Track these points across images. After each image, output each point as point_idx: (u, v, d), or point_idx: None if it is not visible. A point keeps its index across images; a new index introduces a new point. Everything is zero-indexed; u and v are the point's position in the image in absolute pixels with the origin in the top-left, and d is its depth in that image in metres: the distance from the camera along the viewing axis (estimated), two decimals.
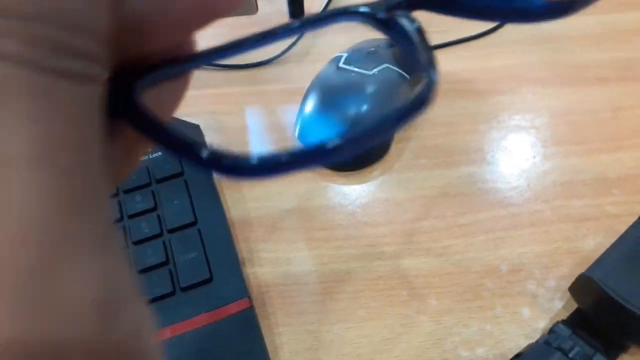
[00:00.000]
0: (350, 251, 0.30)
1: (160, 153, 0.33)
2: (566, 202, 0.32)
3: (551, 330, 0.25)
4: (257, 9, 0.39)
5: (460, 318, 0.27)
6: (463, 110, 0.38)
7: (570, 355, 0.24)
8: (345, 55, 0.37)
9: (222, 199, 0.32)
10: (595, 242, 0.29)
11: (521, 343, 0.26)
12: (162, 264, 0.27)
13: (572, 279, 0.27)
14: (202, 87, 0.41)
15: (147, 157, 0.32)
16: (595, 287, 0.25)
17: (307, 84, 0.37)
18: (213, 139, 0.35)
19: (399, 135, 0.36)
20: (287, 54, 0.43)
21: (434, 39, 0.43)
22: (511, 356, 0.25)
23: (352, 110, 0.34)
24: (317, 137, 0.35)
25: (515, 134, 0.36)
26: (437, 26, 0.44)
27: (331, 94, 0.36)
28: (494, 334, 0.26)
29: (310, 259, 0.30)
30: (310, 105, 0.36)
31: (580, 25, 0.43)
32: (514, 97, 0.38)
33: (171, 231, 0.29)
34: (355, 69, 0.36)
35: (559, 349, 0.24)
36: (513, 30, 0.44)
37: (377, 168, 0.35)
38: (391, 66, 0.36)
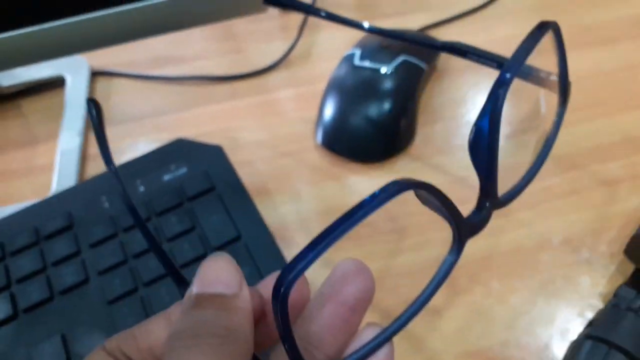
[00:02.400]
0: (397, 245, 0.30)
1: (185, 169, 0.31)
2: (601, 165, 0.32)
3: (615, 294, 0.25)
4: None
5: (525, 296, 0.27)
6: (474, 86, 0.37)
7: None
8: (358, 52, 0.36)
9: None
10: (638, 201, 0.30)
11: (587, 311, 0.26)
12: None
13: (621, 241, 0.27)
14: (207, 103, 0.39)
15: (172, 174, 0.31)
16: None
17: (317, 86, 0.36)
18: (235, 158, 0.33)
19: (423, 119, 0.35)
20: (289, 57, 0.41)
21: (434, 17, 0.43)
22: (582, 326, 0.25)
23: (376, 111, 0.33)
24: (343, 142, 0.34)
25: (535, 105, 0.36)
26: (435, 3, 0.44)
27: (351, 95, 0.34)
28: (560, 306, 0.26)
29: (360, 258, 0.29)
30: (330, 110, 0.34)
31: None
32: None
33: (217, 249, 0.28)
34: (372, 66, 0.34)
35: (629, 309, 0.24)
36: (511, 0, 0.44)
37: (406, 155, 0.34)
38: (408, 58, 0.35)
